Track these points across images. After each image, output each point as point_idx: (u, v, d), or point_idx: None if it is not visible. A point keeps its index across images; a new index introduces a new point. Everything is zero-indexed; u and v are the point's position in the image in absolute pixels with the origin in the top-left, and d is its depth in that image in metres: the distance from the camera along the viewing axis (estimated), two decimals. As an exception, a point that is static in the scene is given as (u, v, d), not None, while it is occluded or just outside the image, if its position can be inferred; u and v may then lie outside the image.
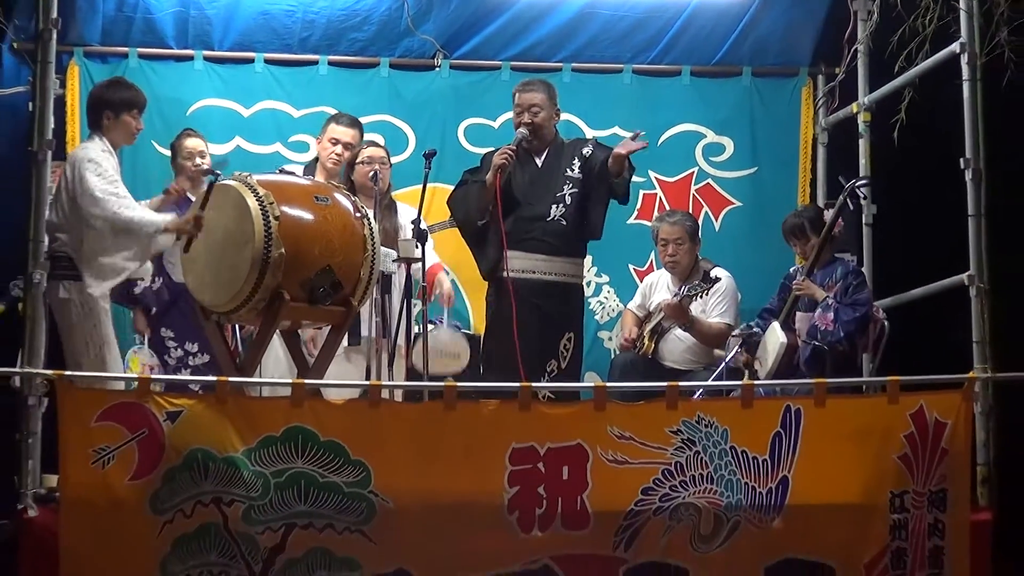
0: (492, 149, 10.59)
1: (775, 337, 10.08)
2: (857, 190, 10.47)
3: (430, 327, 9.95)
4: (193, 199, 9.73)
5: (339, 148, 10.40)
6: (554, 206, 10.34)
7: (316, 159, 10.62)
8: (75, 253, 9.42)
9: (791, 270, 10.39)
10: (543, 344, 10.21)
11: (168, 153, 10.45)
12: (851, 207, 10.56)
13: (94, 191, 9.32)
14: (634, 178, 11.31)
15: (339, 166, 10.39)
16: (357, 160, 10.37)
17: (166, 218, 9.40)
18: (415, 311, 9.72)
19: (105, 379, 9.24)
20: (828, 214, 10.62)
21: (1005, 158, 9.94)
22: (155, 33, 11.24)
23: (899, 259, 11.13)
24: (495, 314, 10.37)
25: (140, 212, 9.43)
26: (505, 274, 10.20)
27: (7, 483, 8.88)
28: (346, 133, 10.48)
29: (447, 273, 10.87)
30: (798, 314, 10.16)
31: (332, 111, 11.18)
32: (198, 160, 10.10)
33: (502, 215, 10.22)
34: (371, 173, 10.11)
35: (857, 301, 10.03)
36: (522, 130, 10.32)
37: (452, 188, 10.60)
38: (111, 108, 9.71)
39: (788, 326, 10.13)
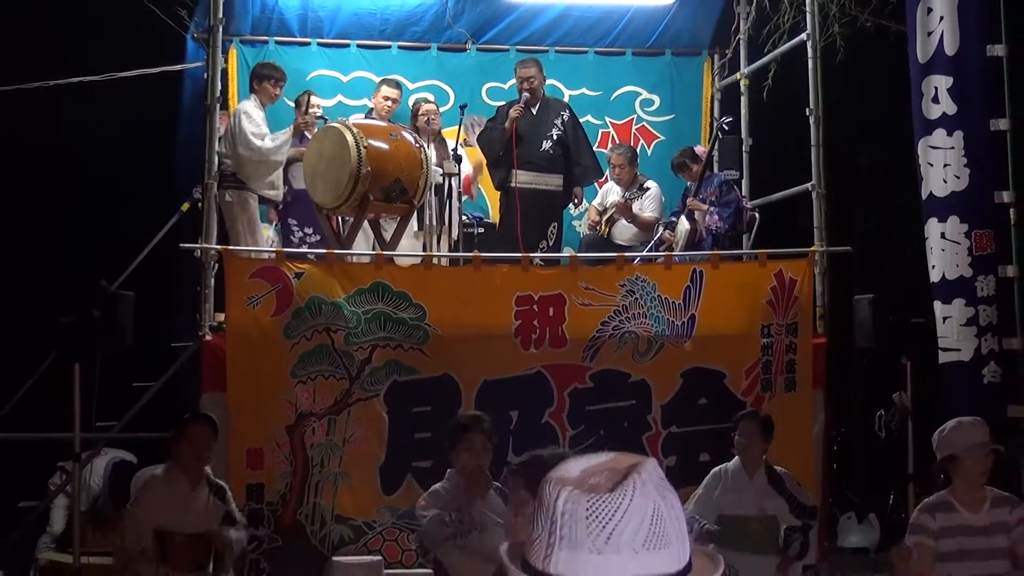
0: (504, 103, 10.50)
1: (682, 226, 10.00)
2: (724, 124, 10.32)
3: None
4: (310, 136, 9.61)
5: (389, 102, 10.23)
6: (545, 142, 10.21)
7: (372, 108, 10.42)
8: (237, 171, 9.40)
9: (688, 185, 10.24)
10: (538, 230, 10.08)
11: (292, 105, 10.27)
12: (721, 135, 10.43)
13: (247, 133, 9.40)
14: (594, 121, 11.29)
15: (391, 112, 10.19)
16: (420, 112, 10.20)
17: (287, 148, 9.47)
18: (455, 208, 9.56)
19: (255, 252, 9.23)
20: (700, 149, 10.60)
21: (835, 109, 9.84)
22: (285, 27, 11.08)
23: (767, 173, 11.04)
24: (506, 211, 10.24)
25: (274, 144, 9.46)
26: (513, 185, 10.04)
27: (192, 318, 8.88)
28: (393, 92, 10.31)
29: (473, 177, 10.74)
30: (696, 212, 10.04)
31: (402, 79, 11.02)
32: (313, 111, 9.97)
33: (514, 147, 10.08)
34: (426, 119, 10.06)
35: (727, 201, 9.94)
36: (525, 94, 10.19)
37: (479, 131, 10.47)
38: (262, 79, 9.82)
39: (690, 218, 10.00)
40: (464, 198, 9.92)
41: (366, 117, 10.10)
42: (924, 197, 8.91)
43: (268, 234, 9.98)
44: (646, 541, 2.03)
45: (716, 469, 7.57)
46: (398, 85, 10.46)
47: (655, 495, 2.05)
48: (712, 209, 9.88)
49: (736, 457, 7.49)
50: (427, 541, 6.12)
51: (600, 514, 2.02)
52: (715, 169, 10.54)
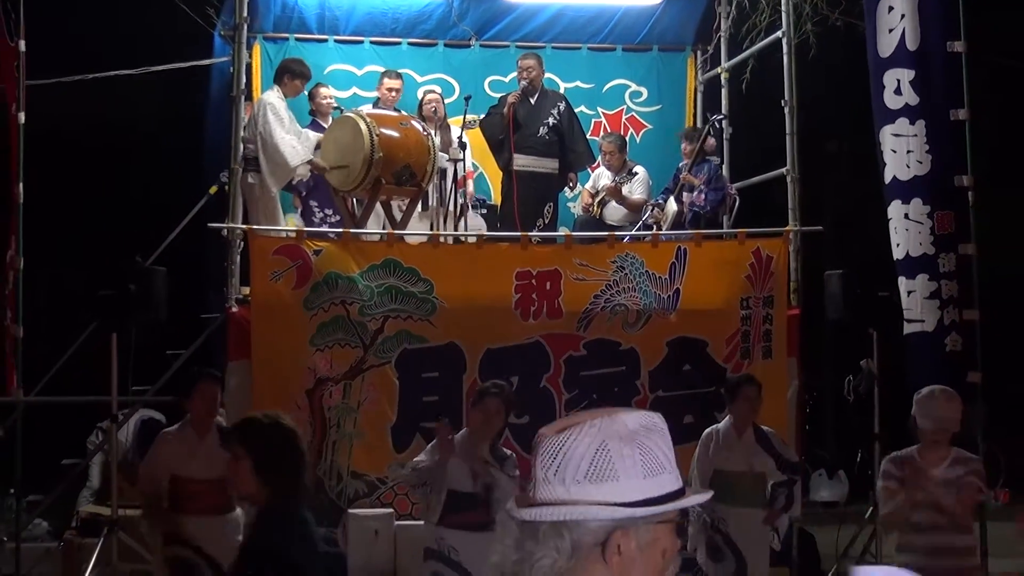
0: (504, 94, 10.44)
1: (670, 206, 9.99)
2: (715, 122, 10.34)
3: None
4: (325, 126, 9.55)
5: (393, 92, 10.15)
6: (542, 128, 10.19)
7: (378, 99, 10.32)
8: (258, 157, 9.34)
9: (680, 165, 10.20)
10: (535, 210, 10.05)
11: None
12: (712, 132, 10.36)
13: (269, 124, 9.34)
14: (587, 111, 11.25)
15: (396, 101, 10.12)
16: (425, 102, 10.16)
17: (305, 158, 9.39)
18: (458, 191, 9.52)
19: (277, 230, 9.18)
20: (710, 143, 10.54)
21: (808, 100, 9.79)
22: (305, 25, 11.03)
23: (745, 159, 11.01)
24: (507, 192, 10.21)
25: (291, 147, 9.37)
26: (513, 167, 9.99)
27: (220, 292, 8.91)
28: (395, 82, 10.24)
29: (476, 167, 10.65)
30: (684, 193, 9.97)
31: (411, 72, 10.96)
32: (325, 101, 9.92)
33: (512, 132, 10.04)
34: (432, 108, 10.03)
35: (717, 187, 9.90)
36: (523, 83, 10.19)
37: (482, 117, 10.39)
38: (290, 74, 9.75)
39: (678, 199, 9.96)
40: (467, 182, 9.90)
41: (374, 107, 10.04)
42: (887, 181, 8.93)
43: (294, 223, 9.90)
44: (588, 474, 2.20)
45: (708, 430, 7.58)
46: (399, 76, 10.41)
47: (607, 436, 2.22)
48: (702, 188, 9.86)
49: (727, 418, 7.49)
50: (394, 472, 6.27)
51: (548, 452, 2.24)
52: (697, 155, 10.51)
